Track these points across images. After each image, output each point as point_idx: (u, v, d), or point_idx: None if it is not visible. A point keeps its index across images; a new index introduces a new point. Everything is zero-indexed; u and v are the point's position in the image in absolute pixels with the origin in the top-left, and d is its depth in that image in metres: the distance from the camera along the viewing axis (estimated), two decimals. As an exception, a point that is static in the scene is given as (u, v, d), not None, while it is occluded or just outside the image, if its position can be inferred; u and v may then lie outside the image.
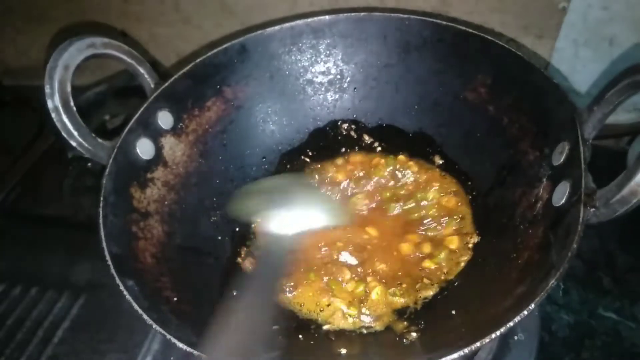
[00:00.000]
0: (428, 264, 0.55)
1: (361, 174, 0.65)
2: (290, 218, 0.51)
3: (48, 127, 0.86)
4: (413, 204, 0.61)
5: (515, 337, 0.54)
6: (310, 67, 0.66)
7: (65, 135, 0.49)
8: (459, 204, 0.59)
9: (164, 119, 0.57)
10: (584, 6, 0.66)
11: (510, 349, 0.53)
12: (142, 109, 0.54)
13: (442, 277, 0.54)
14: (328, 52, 0.65)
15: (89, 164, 0.81)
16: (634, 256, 0.65)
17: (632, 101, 0.79)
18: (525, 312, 0.35)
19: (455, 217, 0.58)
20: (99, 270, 0.62)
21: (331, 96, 0.68)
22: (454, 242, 0.56)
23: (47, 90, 0.48)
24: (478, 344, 0.34)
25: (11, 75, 1.03)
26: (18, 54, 0.99)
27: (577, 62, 0.74)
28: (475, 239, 0.55)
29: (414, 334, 0.46)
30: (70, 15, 0.86)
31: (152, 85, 0.58)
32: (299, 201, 0.54)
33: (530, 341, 0.54)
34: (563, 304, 0.61)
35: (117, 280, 0.41)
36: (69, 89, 0.49)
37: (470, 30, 0.57)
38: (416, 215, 0.60)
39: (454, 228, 0.58)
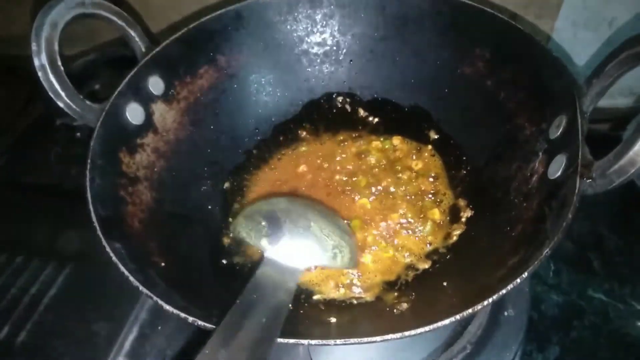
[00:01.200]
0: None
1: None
2: (299, 251, 0.47)
3: (40, 95, 0.85)
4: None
5: (505, 313, 0.55)
6: (306, 38, 0.65)
7: (52, 95, 0.48)
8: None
9: (155, 84, 0.56)
10: None
11: (500, 324, 0.54)
12: (132, 73, 0.53)
13: (429, 249, 0.54)
14: (324, 22, 0.64)
15: (78, 134, 0.80)
16: (624, 239, 0.65)
17: (628, 85, 0.79)
18: (519, 280, 0.34)
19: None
20: (86, 239, 0.63)
21: (326, 68, 0.67)
22: (435, 215, 0.56)
23: (34, 48, 0.47)
24: (470, 310, 0.33)
25: (-1, 44, 1.00)
26: (7, 22, 0.96)
27: (576, 43, 0.73)
28: (468, 213, 0.55)
29: (404, 305, 0.45)
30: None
31: (143, 49, 0.57)
32: (312, 232, 0.49)
33: (519, 317, 0.55)
34: (553, 284, 0.61)
35: (104, 242, 0.40)
36: (56, 47, 0.47)
37: (470, 2, 0.56)
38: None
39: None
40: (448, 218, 0.56)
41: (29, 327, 0.58)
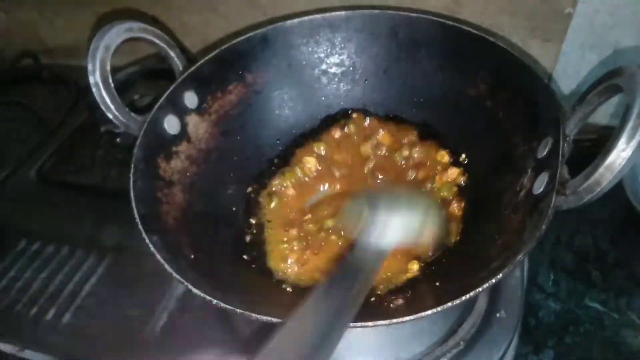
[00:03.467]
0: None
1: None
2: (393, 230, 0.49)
3: (85, 103, 0.92)
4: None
5: (498, 315, 0.57)
6: (326, 59, 0.70)
7: (103, 108, 0.54)
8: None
9: (190, 99, 0.62)
10: (590, 11, 0.68)
11: (492, 325, 0.57)
12: (171, 89, 0.59)
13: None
14: (343, 45, 0.69)
15: (118, 139, 0.86)
16: (623, 252, 0.68)
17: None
18: (494, 280, 0.39)
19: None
20: (124, 234, 0.70)
21: (343, 86, 0.71)
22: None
23: (90, 67, 0.53)
24: (449, 304, 0.39)
25: (49, 55, 1.08)
26: (56, 35, 1.04)
27: (583, 65, 0.75)
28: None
29: (400, 300, 0.50)
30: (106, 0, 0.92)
31: (181, 68, 0.63)
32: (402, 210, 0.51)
33: (511, 319, 0.57)
34: (551, 292, 0.64)
35: (144, 234, 0.46)
36: (108, 67, 0.54)
37: (474, 32, 0.60)
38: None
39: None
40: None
41: (72, 309, 0.64)
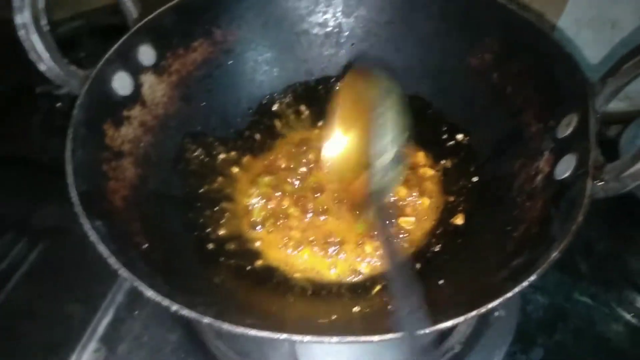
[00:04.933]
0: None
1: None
2: None
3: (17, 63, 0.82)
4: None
5: (495, 314, 0.55)
6: (307, 17, 0.63)
7: (33, 58, 0.45)
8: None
9: (146, 54, 0.53)
10: None
11: (490, 324, 0.54)
12: (122, 40, 0.50)
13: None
14: (328, 2, 0.62)
15: (59, 104, 0.76)
16: (612, 244, 0.66)
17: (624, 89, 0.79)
18: (526, 283, 0.33)
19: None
20: (62, 215, 0.60)
21: (326, 50, 0.65)
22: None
23: (17, 3, 0.43)
24: (474, 312, 0.32)
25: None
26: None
27: (577, 42, 0.73)
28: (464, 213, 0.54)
29: None
30: None
31: (136, 16, 0.54)
32: None
33: (510, 318, 0.55)
34: (539, 286, 0.62)
35: (83, 218, 0.37)
36: (42, 4, 0.44)
37: (482, -9, 0.54)
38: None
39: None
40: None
41: None
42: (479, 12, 0.55)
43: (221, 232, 0.54)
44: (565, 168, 0.42)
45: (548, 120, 0.47)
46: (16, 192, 0.68)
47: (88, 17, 0.85)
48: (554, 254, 0.34)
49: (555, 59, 0.48)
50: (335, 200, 0.56)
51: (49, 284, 0.59)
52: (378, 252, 0.51)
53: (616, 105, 0.79)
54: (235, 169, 0.60)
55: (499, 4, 0.53)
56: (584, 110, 0.42)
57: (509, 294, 0.32)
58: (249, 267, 0.51)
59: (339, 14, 0.63)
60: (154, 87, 0.54)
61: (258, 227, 0.55)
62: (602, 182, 0.38)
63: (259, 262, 0.52)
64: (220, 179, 0.59)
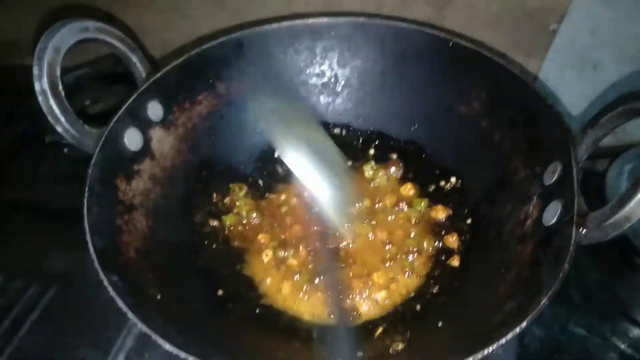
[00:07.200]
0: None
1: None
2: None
3: (27, 108, 0.82)
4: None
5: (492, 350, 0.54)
6: (305, 69, 0.66)
7: (51, 121, 0.47)
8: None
9: (154, 110, 0.56)
10: (572, 30, 0.68)
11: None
12: (132, 98, 0.53)
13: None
14: (324, 54, 0.65)
15: (65, 150, 0.77)
16: (604, 274, 0.66)
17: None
18: (517, 330, 0.35)
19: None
20: (72, 261, 0.63)
21: (324, 99, 0.67)
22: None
23: (36, 72, 0.46)
24: (470, 358, 0.34)
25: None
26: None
27: (562, 82, 0.75)
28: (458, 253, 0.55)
29: (399, 345, 0.45)
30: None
31: (144, 75, 0.56)
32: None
33: (508, 353, 0.55)
34: (535, 318, 0.62)
35: (102, 275, 0.39)
36: (58, 72, 0.47)
37: (468, 45, 0.57)
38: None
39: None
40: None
41: (9, 351, 0.56)
42: (466, 64, 0.58)
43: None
44: (552, 214, 0.44)
45: (534, 167, 0.49)
46: (26, 238, 0.68)
47: (93, 65, 0.85)
48: (544, 301, 0.36)
49: (538, 110, 0.50)
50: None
51: (60, 328, 0.58)
52: (380, 294, 0.53)
53: (603, 140, 0.82)
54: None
55: (485, 56, 0.56)
56: (567, 159, 0.44)
57: (502, 340, 0.34)
58: (257, 311, 0.52)
59: (335, 65, 0.66)
60: (162, 141, 0.57)
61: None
62: (585, 230, 0.39)
63: (265, 305, 0.53)
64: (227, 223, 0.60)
